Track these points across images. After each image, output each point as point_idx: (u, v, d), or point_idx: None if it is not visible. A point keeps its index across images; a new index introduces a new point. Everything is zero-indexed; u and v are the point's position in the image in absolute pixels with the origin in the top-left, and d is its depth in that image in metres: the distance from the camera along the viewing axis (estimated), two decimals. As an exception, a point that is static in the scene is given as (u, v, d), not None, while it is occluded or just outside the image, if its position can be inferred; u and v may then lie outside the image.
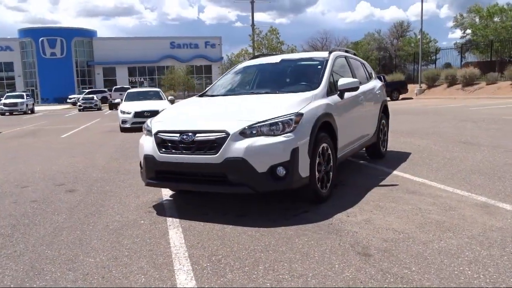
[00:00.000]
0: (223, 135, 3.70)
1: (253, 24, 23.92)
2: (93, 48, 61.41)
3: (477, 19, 35.05)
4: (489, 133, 8.84)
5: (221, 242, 3.35)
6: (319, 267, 2.81)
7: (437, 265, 2.76)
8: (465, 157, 6.41)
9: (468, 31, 36.40)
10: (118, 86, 43.08)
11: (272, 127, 3.75)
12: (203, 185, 3.97)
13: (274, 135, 3.73)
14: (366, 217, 3.79)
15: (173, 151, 3.92)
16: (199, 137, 3.78)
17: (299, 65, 5.58)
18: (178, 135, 3.88)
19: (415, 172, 5.50)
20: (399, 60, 44.92)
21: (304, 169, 3.87)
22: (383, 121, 6.66)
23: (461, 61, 32.00)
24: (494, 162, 5.91)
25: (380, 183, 5.00)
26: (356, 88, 4.99)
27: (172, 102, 15.16)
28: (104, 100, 38.87)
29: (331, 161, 4.39)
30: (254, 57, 6.37)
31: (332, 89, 4.79)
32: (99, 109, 33.99)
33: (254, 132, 3.73)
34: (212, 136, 3.73)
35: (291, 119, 3.83)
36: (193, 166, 3.82)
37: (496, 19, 32.42)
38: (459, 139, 8.18)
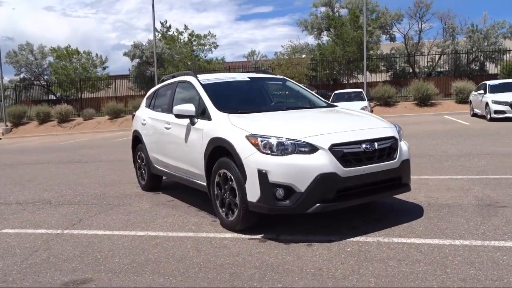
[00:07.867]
0: (394, 141, 4.01)
1: None
2: None
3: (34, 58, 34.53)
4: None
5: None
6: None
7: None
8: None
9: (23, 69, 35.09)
10: None
11: (399, 133, 4.26)
12: (380, 193, 4.02)
13: (400, 139, 4.22)
14: (426, 194, 4.91)
15: (357, 163, 3.75)
16: (381, 144, 3.89)
17: (277, 84, 5.86)
18: (359, 145, 3.78)
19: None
20: None
21: None
22: None
23: (18, 98, 32.62)
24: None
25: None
26: None
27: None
28: None
29: None
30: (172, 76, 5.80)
31: None
32: None
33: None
34: (389, 142, 3.97)
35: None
36: (377, 175, 3.87)
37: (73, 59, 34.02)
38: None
